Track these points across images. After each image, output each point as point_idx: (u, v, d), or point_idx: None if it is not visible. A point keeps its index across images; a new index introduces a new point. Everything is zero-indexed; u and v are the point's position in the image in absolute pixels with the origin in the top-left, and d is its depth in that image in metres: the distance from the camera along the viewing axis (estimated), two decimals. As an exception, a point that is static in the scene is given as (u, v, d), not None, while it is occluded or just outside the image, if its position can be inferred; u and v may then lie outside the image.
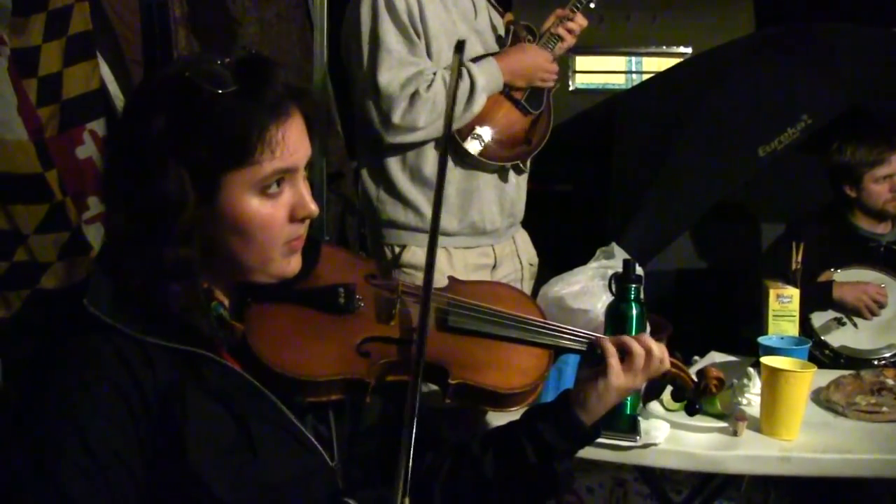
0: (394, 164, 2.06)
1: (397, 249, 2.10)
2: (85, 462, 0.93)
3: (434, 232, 1.15)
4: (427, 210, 2.05)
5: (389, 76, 1.93)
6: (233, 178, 1.00)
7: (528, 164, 2.21)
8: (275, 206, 1.03)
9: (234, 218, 1.01)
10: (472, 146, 2.04)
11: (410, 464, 0.94)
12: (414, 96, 1.94)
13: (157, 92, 1.01)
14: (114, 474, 0.95)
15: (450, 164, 2.06)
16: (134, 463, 0.96)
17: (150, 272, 0.98)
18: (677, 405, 1.69)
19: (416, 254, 2.07)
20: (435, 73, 1.97)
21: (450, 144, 2.03)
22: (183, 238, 0.98)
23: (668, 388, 1.38)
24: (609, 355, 1.21)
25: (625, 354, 1.22)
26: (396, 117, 1.94)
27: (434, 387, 1.17)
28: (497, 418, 1.55)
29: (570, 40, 2.15)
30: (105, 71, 2.24)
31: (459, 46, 1.22)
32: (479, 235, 2.14)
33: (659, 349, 1.23)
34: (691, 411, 1.35)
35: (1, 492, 0.94)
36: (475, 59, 2.04)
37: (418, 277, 2.01)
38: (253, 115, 0.99)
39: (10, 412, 1.00)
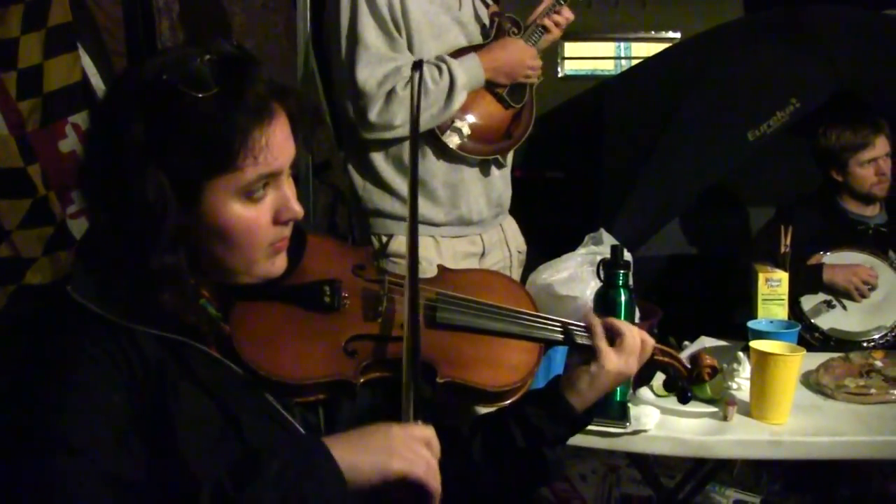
0: (377, 155, 2.05)
1: (384, 239, 2.08)
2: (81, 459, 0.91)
3: (413, 246, 1.12)
4: None
5: (366, 73, 1.91)
6: (215, 184, 0.97)
7: (510, 157, 2.20)
8: (258, 210, 1.01)
9: (217, 224, 0.99)
10: (451, 140, 2.02)
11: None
12: (390, 94, 1.91)
13: (133, 97, 0.97)
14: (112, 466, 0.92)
15: (432, 157, 2.04)
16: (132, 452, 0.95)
17: (137, 279, 0.97)
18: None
19: (403, 243, 2.06)
20: None
21: (430, 137, 2.01)
22: (168, 245, 0.96)
23: (660, 377, 1.37)
24: (597, 338, 1.21)
25: (615, 336, 1.22)
26: (373, 115, 1.92)
27: None
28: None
29: (555, 33, 2.12)
30: (87, 63, 2.20)
31: (417, 65, 1.20)
32: (466, 226, 2.12)
33: (640, 332, 1.24)
34: (684, 400, 1.34)
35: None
36: (457, 54, 2.01)
37: (405, 266, 2.01)
38: (235, 119, 0.96)
39: None
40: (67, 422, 0.92)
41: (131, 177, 0.95)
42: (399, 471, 0.94)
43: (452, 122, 2.01)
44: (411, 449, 0.96)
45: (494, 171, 2.15)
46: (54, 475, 0.89)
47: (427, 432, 0.99)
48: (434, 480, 0.96)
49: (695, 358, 1.33)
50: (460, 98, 1.97)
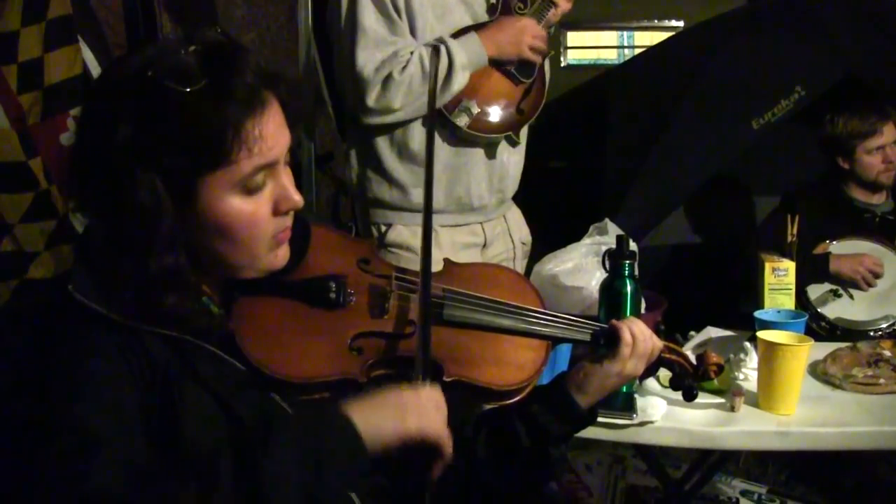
0: (381, 142, 2.03)
1: (384, 228, 2.07)
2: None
3: (427, 238, 1.12)
4: (412, 188, 2.02)
5: (364, 58, 1.89)
6: (210, 180, 0.95)
7: (524, 135, 2.17)
8: (257, 202, 0.99)
9: (217, 220, 0.97)
10: (460, 119, 1.99)
11: None
12: (387, 80, 1.90)
13: (118, 95, 0.94)
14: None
15: (438, 139, 2.01)
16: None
17: (140, 282, 0.95)
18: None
19: (401, 233, 2.05)
20: (412, 53, 1.92)
21: (437, 118, 1.99)
22: (166, 246, 0.94)
23: (666, 374, 1.36)
24: (624, 344, 1.20)
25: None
26: (370, 101, 1.91)
27: None
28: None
29: (564, 6, 2.08)
30: (88, 56, 2.19)
31: None
32: (466, 212, 2.10)
33: (646, 329, 1.24)
34: (689, 398, 1.33)
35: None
36: (457, 34, 1.99)
37: (403, 257, 1.99)
38: (225, 112, 0.93)
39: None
40: (84, 410, 0.89)
41: (122, 180, 0.92)
42: (415, 428, 0.97)
43: (460, 101, 1.99)
44: (423, 406, 0.99)
45: (503, 151, 2.12)
46: (77, 465, 0.86)
47: (435, 394, 1.02)
48: (445, 440, 0.99)
49: (701, 356, 1.32)
50: (460, 78, 1.95)
